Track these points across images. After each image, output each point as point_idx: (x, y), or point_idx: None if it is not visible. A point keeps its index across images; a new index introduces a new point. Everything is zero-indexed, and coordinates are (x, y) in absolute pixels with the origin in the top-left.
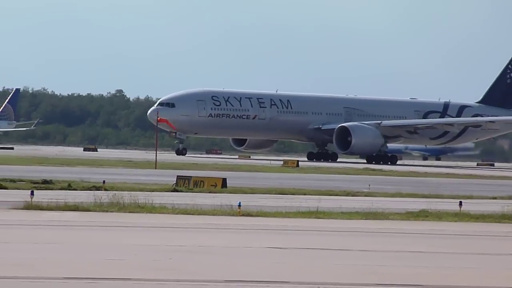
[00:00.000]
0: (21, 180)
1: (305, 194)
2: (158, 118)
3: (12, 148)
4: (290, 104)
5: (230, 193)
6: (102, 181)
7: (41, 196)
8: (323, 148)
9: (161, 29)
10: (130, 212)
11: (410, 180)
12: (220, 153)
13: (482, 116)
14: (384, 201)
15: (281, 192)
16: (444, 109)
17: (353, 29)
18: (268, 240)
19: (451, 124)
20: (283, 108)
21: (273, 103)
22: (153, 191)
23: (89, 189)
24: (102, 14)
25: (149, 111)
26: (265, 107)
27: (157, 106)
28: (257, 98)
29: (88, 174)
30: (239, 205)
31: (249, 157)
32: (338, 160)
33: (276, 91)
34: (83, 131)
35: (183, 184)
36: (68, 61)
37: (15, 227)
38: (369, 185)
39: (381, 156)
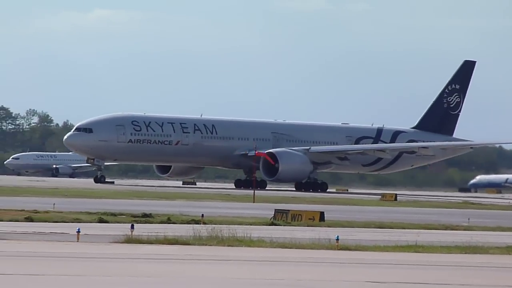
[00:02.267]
0: (121, 214)
1: (403, 228)
2: (256, 152)
3: (113, 182)
4: (215, 129)
5: (328, 226)
6: (201, 215)
7: (141, 229)
8: (251, 175)
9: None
10: (228, 245)
11: (511, 214)
12: None
13: (417, 142)
14: (483, 235)
15: (379, 225)
16: (377, 135)
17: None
18: (367, 274)
19: (382, 150)
20: (207, 133)
21: (197, 128)
22: (251, 225)
23: (188, 222)
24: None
25: (65, 137)
26: (189, 132)
27: (73, 131)
28: (180, 123)
29: (187, 207)
30: (337, 239)
31: (347, 190)
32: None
33: (201, 116)
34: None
35: (281, 217)
36: (169, 96)
37: (116, 261)
38: (469, 218)
39: (311, 183)
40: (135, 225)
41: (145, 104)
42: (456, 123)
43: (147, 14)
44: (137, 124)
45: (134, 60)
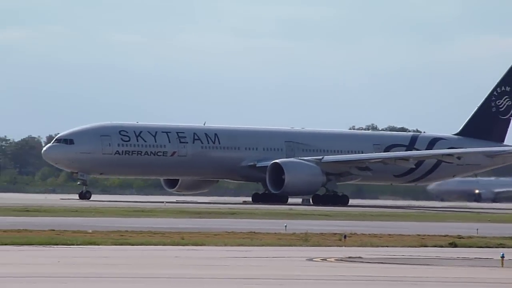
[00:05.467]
0: None
1: None
2: None
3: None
4: (217, 138)
5: None
6: None
7: None
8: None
9: None
10: None
11: None
12: None
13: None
14: None
15: None
16: (411, 142)
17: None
18: None
19: (405, 159)
20: (209, 143)
21: (196, 137)
22: None
23: None
24: None
25: (43, 149)
26: (186, 142)
27: (53, 143)
28: (177, 132)
29: None
30: None
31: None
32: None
33: (204, 124)
34: None
35: None
36: None
37: None
38: None
39: (329, 196)
40: None
41: None
42: (507, 128)
43: None
44: (125, 134)
45: None
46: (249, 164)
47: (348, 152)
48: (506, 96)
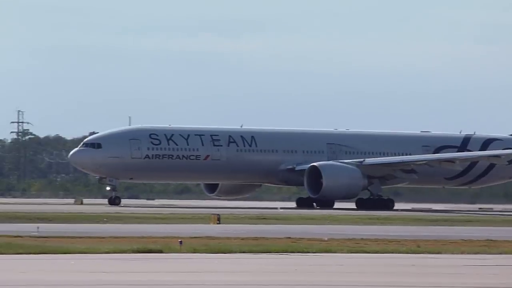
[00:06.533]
0: None
1: None
2: None
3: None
4: (254, 141)
5: None
6: None
7: None
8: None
9: None
10: None
11: None
12: None
13: None
14: None
15: None
16: (464, 143)
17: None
18: None
19: (450, 161)
20: (245, 146)
21: (231, 140)
22: None
23: None
24: None
25: (70, 154)
26: (221, 146)
27: (80, 147)
28: (211, 135)
29: None
30: None
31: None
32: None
33: (241, 126)
34: None
35: None
36: None
37: None
38: None
39: (373, 200)
40: None
41: None
42: None
43: None
44: (156, 137)
45: None
46: (288, 167)
47: (395, 154)
48: None
